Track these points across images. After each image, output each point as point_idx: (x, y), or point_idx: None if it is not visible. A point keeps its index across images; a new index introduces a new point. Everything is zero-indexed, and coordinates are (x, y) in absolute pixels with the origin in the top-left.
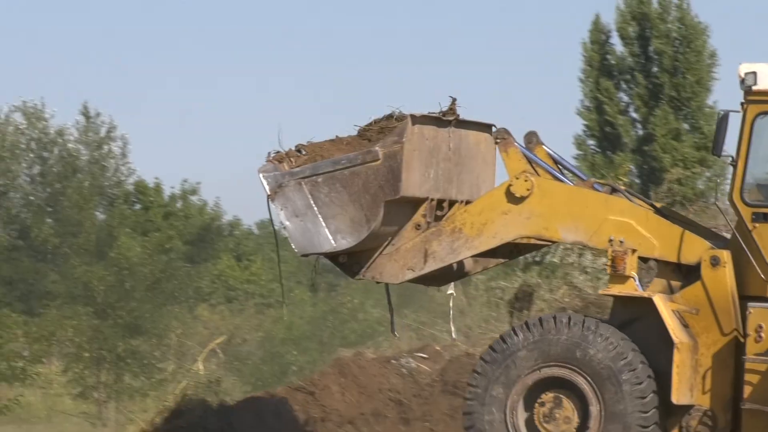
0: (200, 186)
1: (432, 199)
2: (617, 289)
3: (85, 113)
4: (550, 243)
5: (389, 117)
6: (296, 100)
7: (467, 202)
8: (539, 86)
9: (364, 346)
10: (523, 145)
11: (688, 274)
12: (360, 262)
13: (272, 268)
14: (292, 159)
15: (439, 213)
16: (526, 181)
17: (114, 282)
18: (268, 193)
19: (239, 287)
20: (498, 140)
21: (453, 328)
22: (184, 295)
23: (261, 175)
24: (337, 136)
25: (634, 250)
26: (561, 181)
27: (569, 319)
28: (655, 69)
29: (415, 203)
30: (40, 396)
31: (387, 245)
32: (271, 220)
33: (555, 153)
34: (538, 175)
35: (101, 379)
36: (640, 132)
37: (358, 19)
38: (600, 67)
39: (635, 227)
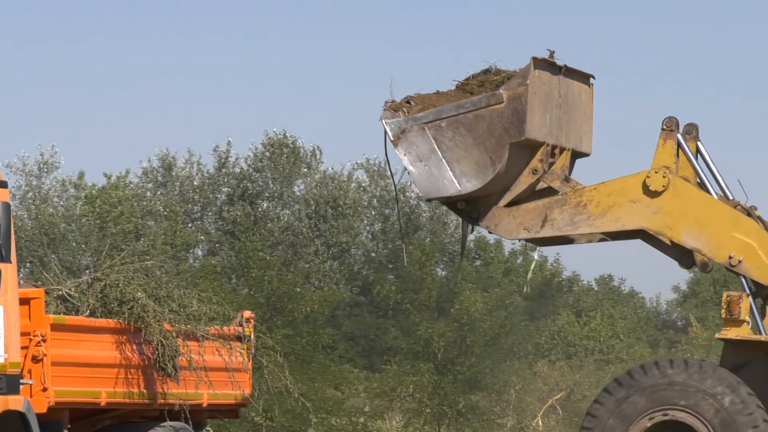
0: None
1: (548, 144)
2: (734, 333)
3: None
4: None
5: (486, 71)
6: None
7: (573, 151)
8: None
9: None
10: (685, 140)
11: None
12: (478, 209)
13: (612, 324)
14: (404, 109)
15: (551, 160)
16: (664, 177)
17: (454, 338)
18: (392, 138)
19: (578, 343)
20: (664, 127)
21: (528, 280)
22: (524, 350)
23: (384, 122)
24: (438, 90)
25: (748, 294)
26: (707, 189)
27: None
28: None
29: (532, 148)
30: None
31: (504, 191)
32: (388, 166)
33: (709, 155)
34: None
35: None
36: None
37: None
38: None
39: (757, 251)
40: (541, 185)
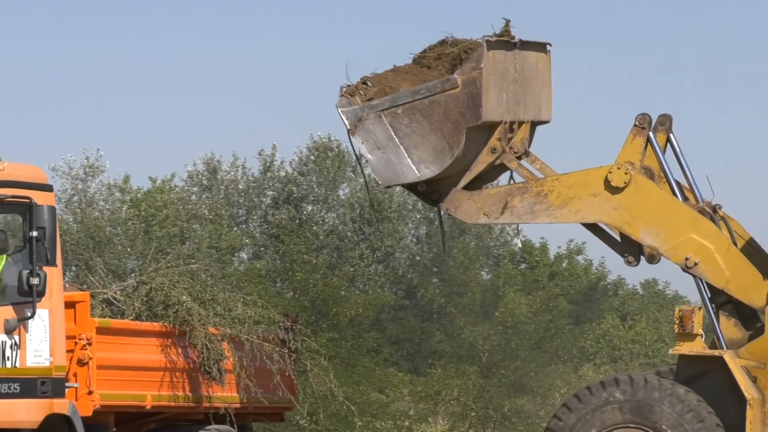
0: (585, 246)
1: (505, 122)
2: (687, 348)
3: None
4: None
5: (443, 43)
6: None
7: (532, 123)
8: None
9: None
10: (654, 135)
11: (749, 317)
12: (438, 191)
13: (657, 328)
14: (361, 92)
15: (510, 135)
16: (626, 173)
17: (499, 341)
18: (348, 127)
19: (624, 347)
20: (636, 124)
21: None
22: (569, 354)
23: (339, 110)
24: (395, 66)
25: (700, 308)
26: (672, 185)
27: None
28: None
29: (490, 128)
30: None
31: (464, 172)
32: (355, 154)
33: (679, 148)
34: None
35: None
36: None
37: None
38: None
39: (713, 254)
40: (499, 161)
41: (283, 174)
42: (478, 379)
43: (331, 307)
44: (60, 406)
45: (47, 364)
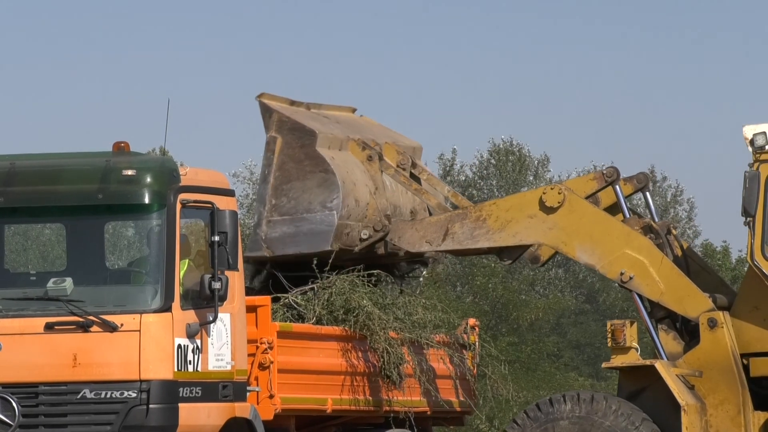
0: None
1: (355, 138)
2: (620, 360)
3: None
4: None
5: None
6: None
7: (404, 146)
8: None
9: None
10: (620, 184)
11: (688, 329)
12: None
13: None
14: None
15: (376, 148)
16: (559, 193)
17: None
18: (266, 255)
19: None
20: (603, 172)
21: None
22: None
23: (248, 255)
24: None
25: (632, 322)
26: (624, 214)
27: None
28: None
29: (348, 148)
30: None
31: (372, 190)
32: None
33: (653, 204)
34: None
35: None
36: None
37: None
38: None
39: (647, 268)
40: (403, 179)
41: (463, 178)
42: None
43: (511, 312)
44: (241, 409)
45: (229, 368)
